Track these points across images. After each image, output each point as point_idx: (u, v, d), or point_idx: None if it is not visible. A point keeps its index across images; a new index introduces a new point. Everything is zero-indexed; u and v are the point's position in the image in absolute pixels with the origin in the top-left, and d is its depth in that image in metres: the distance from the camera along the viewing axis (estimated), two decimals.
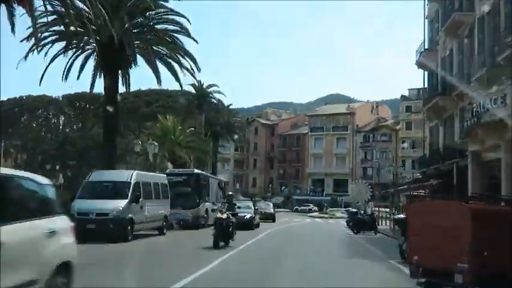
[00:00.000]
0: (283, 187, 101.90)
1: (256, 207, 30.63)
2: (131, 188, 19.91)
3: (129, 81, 29.33)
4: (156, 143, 30.68)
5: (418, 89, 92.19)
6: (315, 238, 25.11)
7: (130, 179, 20.23)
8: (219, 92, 52.81)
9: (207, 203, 29.76)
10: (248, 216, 27.69)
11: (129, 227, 19.31)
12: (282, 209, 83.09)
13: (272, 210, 39.41)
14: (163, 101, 52.98)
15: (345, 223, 38.43)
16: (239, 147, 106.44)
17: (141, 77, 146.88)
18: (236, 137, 65.53)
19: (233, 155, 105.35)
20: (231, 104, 60.12)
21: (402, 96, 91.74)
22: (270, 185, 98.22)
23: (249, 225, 27.08)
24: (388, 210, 46.89)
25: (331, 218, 55.23)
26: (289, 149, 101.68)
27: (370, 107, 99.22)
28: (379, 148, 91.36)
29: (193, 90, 51.91)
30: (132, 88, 31.12)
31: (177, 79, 29.01)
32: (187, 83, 54.26)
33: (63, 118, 60.96)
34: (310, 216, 58.19)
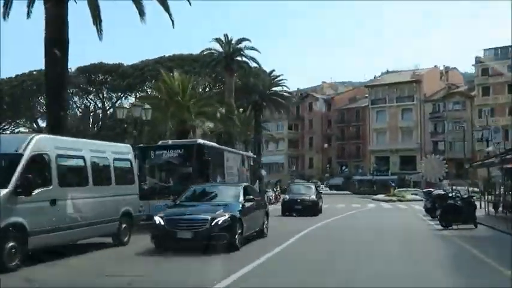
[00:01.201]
0: (343, 167, 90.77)
1: (252, 197, 13.98)
2: (21, 166, 10.17)
3: (99, 14, 19.59)
4: (146, 106, 20.97)
5: (496, 48, 78.66)
6: (384, 251, 12.60)
7: (24, 150, 10.48)
8: (252, 48, 42.12)
9: None
10: (221, 220, 11.84)
11: (12, 244, 9.63)
12: (341, 192, 72.29)
13: (314, 197, 25.03)
14: (188, 66, 43.66)
15: (423, 209, 27.53)
16: (293, 125, 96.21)
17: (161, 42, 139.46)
18: (283, 110, 54.52)
19: (287, 134, 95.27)
20: (273, 70, 49.47)
21: (477, 58, 78.12)
22: (327, 166, 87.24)
23: (225, 240, 11.80)
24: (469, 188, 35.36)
25: (400, 201, 44.02)
26: (348, 124, 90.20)
27: (438, 73, 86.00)
28: (452, 118, 78.30)
29: (219, 48, 41.73)
30: (152, 54, 21.23)
31: (166, 7, 19.10)
32: (212, 37, 43.76)
33: (82, 95, 52.46)
34: (374, 200, 47.20)
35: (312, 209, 24.52)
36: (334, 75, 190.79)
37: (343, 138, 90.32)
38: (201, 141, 19.81)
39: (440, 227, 19.31)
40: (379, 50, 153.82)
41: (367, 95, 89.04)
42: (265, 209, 15.89)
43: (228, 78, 38.19)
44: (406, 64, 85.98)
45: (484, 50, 78.28)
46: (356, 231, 18.14)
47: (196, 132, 29.01)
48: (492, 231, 18.94)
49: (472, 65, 77.75)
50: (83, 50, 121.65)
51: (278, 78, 50.28)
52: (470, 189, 34.47)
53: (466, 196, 20.28)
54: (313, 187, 27.09)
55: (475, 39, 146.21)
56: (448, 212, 19.24)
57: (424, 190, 27.66)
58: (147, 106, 21.77)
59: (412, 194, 52.19)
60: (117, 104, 43.74)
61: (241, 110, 51.70)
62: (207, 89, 47.16)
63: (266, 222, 15.30)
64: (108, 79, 48.80)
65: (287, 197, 25.90)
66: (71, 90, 51.76)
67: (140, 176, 19.03)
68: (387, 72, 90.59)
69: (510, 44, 76.00)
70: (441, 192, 23.50)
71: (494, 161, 21.25)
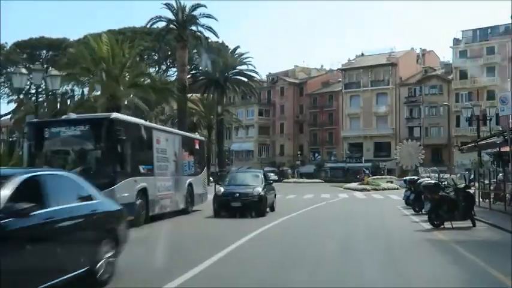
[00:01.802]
0: (316, 154, 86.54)
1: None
2: None
3: None
4: (53, 72, 15.92)
5: (474, 30, 74.80)
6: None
7: None
8: (209, 16, 36.38)
9: (140, 180, 14.92)
10: None
11: None
12: (312, 180, 68.07)
13: (260, 189, 17.87)
14: (140, 39, 38.22)
15: (402, 200, 23.01)
16: (264, 110, 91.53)
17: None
18: (251, 93, 49.41)
19: (257, 120, 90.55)
20: (238, 47, 44.22)
21: (455, 39, 74.31)
22: (299, 153, 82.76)
23: None
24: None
25: (375, 190, 39.72)
26: (321, 110, 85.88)
27: (414, 55, 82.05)
28: (428, 103, 74.59)
29: (171, 16, 36.02)
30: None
31: None
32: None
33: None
34: (346, 189, 42.80)
35: (256, 207, 17.39)
36: (307, 59, 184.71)
37: (315, 124, 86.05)
38: (116, 115, 14.73)
39: (429, 226, 14.81)
40: (355, 33, 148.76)
41: (340, 79, 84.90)
42: None
43: (180, 50, 32.66)
44: (381, 47, 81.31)
45: (462, 31, 74.52)
46: (316, 239, 12.60)
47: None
48: (496, 231, 14.46)
49: (450, 47, 73.95)
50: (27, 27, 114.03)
51: (243, 56, 45.26)
52: (452, 176, 30.21)
53: (462, 186, 15.72)
54: (261, 176, 19.49)
55: (453, 21, 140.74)
56: (440, 207, 14.71)
57: (406, 178, 22.86)
58: (54, 72, 16.67)
59: (387, 182, 48.11)
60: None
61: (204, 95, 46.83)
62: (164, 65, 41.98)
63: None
64: (53, 55, 43.07)
65: (221, 189, 18.46)
66: (12, 70, 45.93)
67: (32, 162, 14.09)
68: (362, 55, 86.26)
69: (489, 25, 72.88)
70: (430, 181, 18.80)
71: (496, 142, 16.70)
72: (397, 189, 42.58)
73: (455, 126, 72.19)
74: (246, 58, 44.83)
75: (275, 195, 20.58)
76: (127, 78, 21.91)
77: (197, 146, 21.09)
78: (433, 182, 18.08)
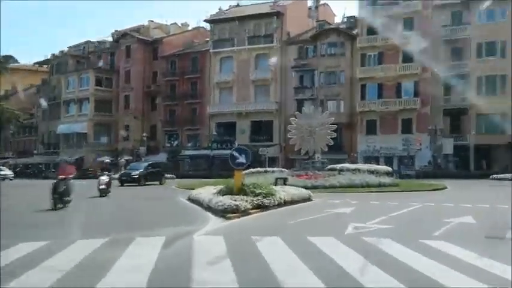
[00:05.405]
0: (173, 138, 60.63)
1: None
2: None
3: None
4: None
5: None
6: None
7: None
8: None
9: None
10: None
11: None
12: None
13: None
14: None
15: None
16: (104, 79, 63.66)
17: None
18: None
19: (93, 92, 62.52)
20: None
21: None
22: (143, 135, 55.99)
23: None
24: None
25: (259, 207, 14.41)
26: (181, 78, 59.96)
27: (305, 7, 59.20)
28: (325, 67, 51.85)
29: None
30: None
31: None
32: None
33: None
34: (195, 202, 17.42)
35: None
36: (167, 14, 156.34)
37: (173, 97, 59.94)
38: None
39: None
40: None
41: (208, 39, 59.76)
42: None
43: None
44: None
45: None
46: None
47: None
48: None
49: None
50: None
51: None
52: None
53: None
54: None
55: None
56: None
57: None
58: None
59: (279, 182, 23.46)
60: None
61: None
62: None
63: None
64: None
65: None
66: None
67: None
68: (237, 6, 61.73)
69: None
70: None
71: None
72: (309, 199, 17.95)
73: (361, 98, 50.45)
74: None
75: None
76: None
77: None
78: None
